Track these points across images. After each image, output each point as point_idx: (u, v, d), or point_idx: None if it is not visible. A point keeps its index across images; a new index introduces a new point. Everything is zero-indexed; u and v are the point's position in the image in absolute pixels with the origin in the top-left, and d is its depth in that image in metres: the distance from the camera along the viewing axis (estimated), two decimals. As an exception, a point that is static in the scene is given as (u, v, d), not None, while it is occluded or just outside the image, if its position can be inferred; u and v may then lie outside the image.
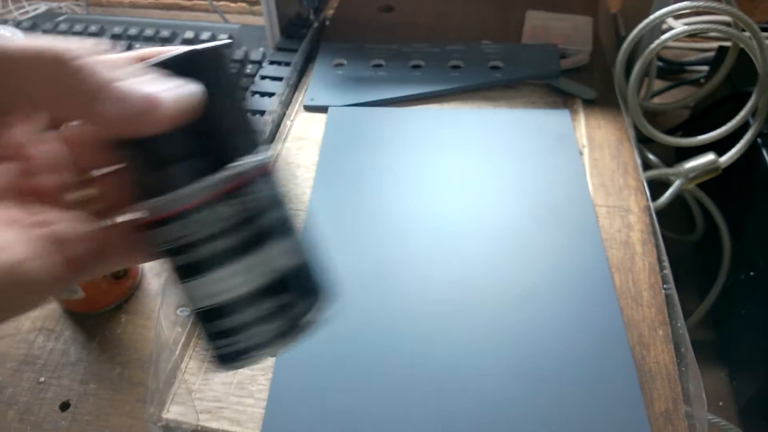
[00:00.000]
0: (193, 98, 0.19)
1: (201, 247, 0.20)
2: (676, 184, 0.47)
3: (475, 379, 0.33)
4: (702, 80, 0.79)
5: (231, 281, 0.20)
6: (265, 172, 0.21)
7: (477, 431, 0.31)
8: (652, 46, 0.47)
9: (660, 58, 0.76)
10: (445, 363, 0.33)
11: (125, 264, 0.23)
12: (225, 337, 0.21)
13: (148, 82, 0.19)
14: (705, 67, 0.79)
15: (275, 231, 0.21)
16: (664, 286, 0.36)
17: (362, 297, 0.36)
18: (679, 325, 0.33)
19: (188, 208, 0.19)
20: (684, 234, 0.53)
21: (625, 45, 0.49)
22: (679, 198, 0.48)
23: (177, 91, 0.19)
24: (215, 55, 0.20)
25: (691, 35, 0.63)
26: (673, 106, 0.58)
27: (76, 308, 0.52)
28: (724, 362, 0.45)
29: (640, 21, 0.55)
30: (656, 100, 0.77)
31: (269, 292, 0.20)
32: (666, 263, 0.37)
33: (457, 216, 0.42)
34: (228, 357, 0.21)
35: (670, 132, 0.62)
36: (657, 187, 0.47)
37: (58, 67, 0.18)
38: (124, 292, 0.53)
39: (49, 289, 0.20)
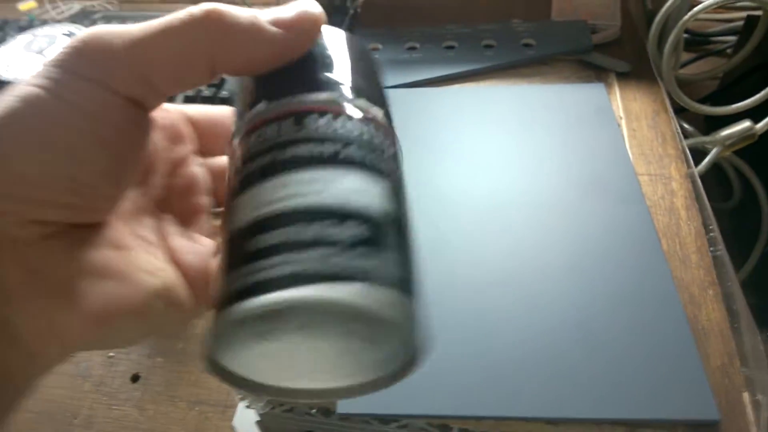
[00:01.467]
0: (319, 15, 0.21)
1: (292, 147, 0.18)
2: (714, 151, 0.48)
3: (534, 346, 0.34)
4: (728, 51, 0.79)
5: (304, 188, 0.17)
6: (378, 123, 0.21)
7: (537, 398, 0.32)
8: (686, 17, 0.48)
9: (685, 30, 0.77)
10: (499, 334, 0.35)
11: None
12: (266, 257, 0.16)
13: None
14: (731, 38, 0.80)
15: (363, 168, 0.19)
16: (711, 248, 0.38)
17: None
18: (729, 284, 0.34)
19: (302, 110, 0.19)
20: (720, 201, 0.54)
21: (659, 17, 0.50)
22: (715, 166, 0.49)
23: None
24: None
25: (719, 6, 0.63)
26: (704, 76, 0.59)
27: None
28: (765, 326, 0.46)
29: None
30: (683, 71, 0.78)
31: (331, 215, 0.17)
32: (713, 227, 0.38)
33: (503, 190, 0.43)
34: (258, 286, 0.16)
35: (700, 102, 0.63)
36: (693, 155, 0.48)
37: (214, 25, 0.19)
38: None
39: (190, 317, 0.21)
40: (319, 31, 0.21)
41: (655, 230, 0.39)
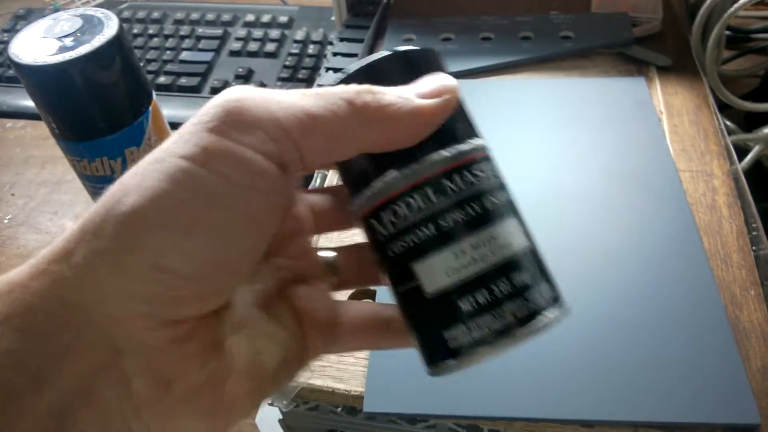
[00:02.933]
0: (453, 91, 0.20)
1: (437, 220, 0.19)
2: (755, 149, 0.47)
3: (568, 345, 0.33)
4: (770, 47, 0.77)
5: (464, 258, 0.19)
6: (485, 156, 0.21)
7: (571, 399, 0.32)
8: (731, 10, 0.46)
9: (726, 27, 0.75)
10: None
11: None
12: (452, 326, 0.19)
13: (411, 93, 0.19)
14: (774, 34, 0.77)
15: (504, 210, 0.20)
16: (753, 247, 0.37)
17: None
18: (774, 284, 0.33)
19: (425, 178, 0.19)
20: (760, 200, 0.53)
21: (702, 10, 0.49)
22: (756, 164, 0.48)
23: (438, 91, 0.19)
24: (425, 53, 0.22)
25: (761, 2, 0.62)
26: (746, 72, 0.58)
27: None
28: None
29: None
30: (724, 67, 0.76)
31: (505, 270, 0.19)
32: (757, 225, 0.37)
33: (542, 186, 0.42)
34: (453, 351, 0.19)
35: (741, 99, 0.62)
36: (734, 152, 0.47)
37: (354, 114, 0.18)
38: None
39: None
40: (457, 99, 0.20)
41: (696, 228, 0.38)
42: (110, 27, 0.40)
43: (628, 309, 0.34)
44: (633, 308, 0.34)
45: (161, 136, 0.45)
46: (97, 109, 0.39)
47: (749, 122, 0.57)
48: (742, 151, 0.47)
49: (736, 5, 0.47)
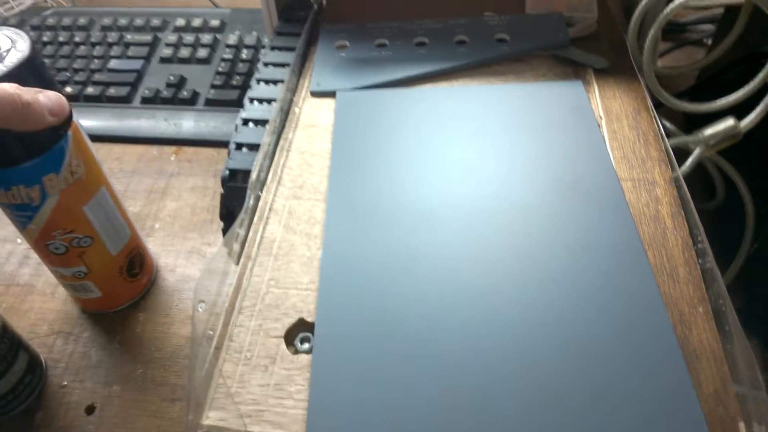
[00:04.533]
0: None
1: None
2: (696, 152, 0.46)
3: (511, 363, 0.32)
4: (705, 40, 0.78)
5: None
6: None
7: (518, 417, 0.30)
8: (666, 11, 0.45)
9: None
10: (471, 354, 0.33)
11: None
12: None
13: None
14: (708, 26, 0.78)
15: None
16: (700, 260, 0.36)
17: (391, 284, 0.36)
18: (721, 302, 0.32)
19: None
20: (703, 201, 0.53)
21: (638, 9, 0.48)
22: (697, 165, 0.47)
23: None
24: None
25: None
26: (684, 70, 0.57)
27: (93, 307, 0.52)
28: (753, 331, 0.44)
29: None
30: (660, 62, 0.76)
31: None
32: (701, 237, 0.36)
33: (478, 194, 0.41)
34: None
35: (678, 97, 0.62)
36: (675, 155, 0.46)
37: None
38: (140, 289, 0.53)
39: None
40: None
41: (640, 241, 0.37)
42: (21, 48, 0.37)
43: (569, 330, 0.33)
44: (574, 329, 0.33)
45: (84, 159, 0.42)
46: (9, 135, 0.36)
47: (690, 120, 0.56)
48: (683, 153, 0.46)
49: (672, 5, 0.46)
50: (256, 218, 0.40)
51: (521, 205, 0.40)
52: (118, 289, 0.51)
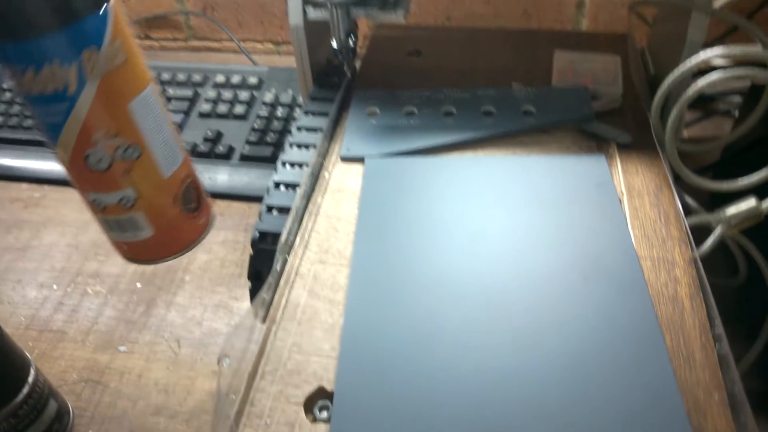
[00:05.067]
0: None
1: None
2: (718, 231, 0.46)
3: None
4: (733, 111, 0.78)
5: None
6: None
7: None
8: (689, 93, 0.47)
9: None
10: (500, 424, 0.33)
11: None
12: None
13: None
14: (737, 98, 0.79)
15: None
16: (717, 345, 0.36)
17: (412, 356, 0.36)
18: (736, 390, 0.33)
19: None
20: (725, 277, 0.53)
21: (659, 93, 0.49)
22: (721, 243, 0.48)
23: None
24: None
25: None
26: (707, 147, 0.58)
27: (143, 255, 0.41)
28: (773, 412, 0.44)
29: (669, 58, 0.55)
30: (686, 132, 0.77)
31: None
32: (717, 320, 0.36)
33: (499, 267, 0.42)
34: None
35: (702, 171, 0.62)
36: (696, 231, 0.47)
37: None
38: (199, 230, 0.43)
39: None
40: None
41: (658, 324, 0.37)
42: None
43: (583, 413, 0.33)
44: (588, 411, 0.33)
45: (127, 44, 0.34)
46: None
47: (713, 196, 0.57)
48: (705, 230, 0.47)
49: (694, 87, 0.47)
50: (282, 282, 0.41)
51: (541, 280, 0.41)
52: (174, 226, 0.41)
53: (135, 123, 0.35)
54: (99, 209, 0.38)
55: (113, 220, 0.39)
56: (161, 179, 0.38)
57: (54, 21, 0.30)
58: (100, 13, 0.31)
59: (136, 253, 0.41)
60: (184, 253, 0.42)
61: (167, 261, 0.42)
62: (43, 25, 0.30)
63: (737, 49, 0.46)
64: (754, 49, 0.46)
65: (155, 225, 0.39)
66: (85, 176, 0.36)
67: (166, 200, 0.39)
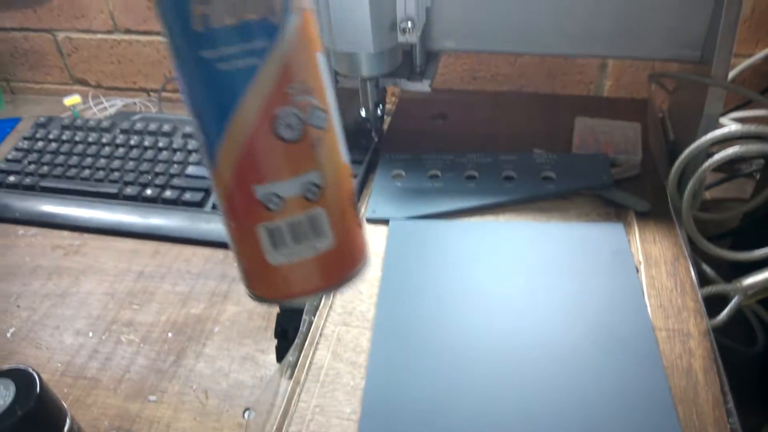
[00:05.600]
0: None
1: None
2: (734, 301, 0.47)
3: None
4: (756, 174, 0.79)
5: None
6: None
7: None
8: (705, 165, 0.48)
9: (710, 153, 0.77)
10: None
11: None
12: None
13: None
14: (760, 160, 0.80)
15: None
16: (730, 420, 0.37)
17: (431, 421, 0.38)
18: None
19: None
20: (744, 345, 0.53)
21: (676, 165, 0.51)
22: (737, 311, 0.48)
23: None
24: None
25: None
26: (724, 216, 0.59)
27: (307, 281, 0.29)
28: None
29: (688, 126, 0.57)
30: (708, 194, 0.78)
31: None
32: (729, 395, 0.37)
33: (518, 334, 0.43)
34: None
35: (722, 237, 0.63)
36: (714, 299, 0.47)
37: None
38: (364, 247, 0.32)
39: None
40: None
41: (670, 396, 0.38)
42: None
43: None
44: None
45: None
46: None
47: (734, 264, 0.58)
48: (723, 299, 0.48)
49: (709, 161, 0.48)
50: (307, 343, 0.43)
51: (557, 348, 0.42)
52: (351, 235, 0.30)
53: (323, 79, 0.28)
54: (272, 211, 0.28)
55: (288, 226, 0.28)
56: (342, 162, 0.29)
57: None
58: None
59: (300, 279, 0.29)
60: (351, 280, 0.30)
61: (328, 292, 0.31)
62: None
63: (752, 127, 0.47)
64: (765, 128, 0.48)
65: (336, 229, 0.29)
66: (266, 153, 0.27)
67: (345, 194, 0.29)
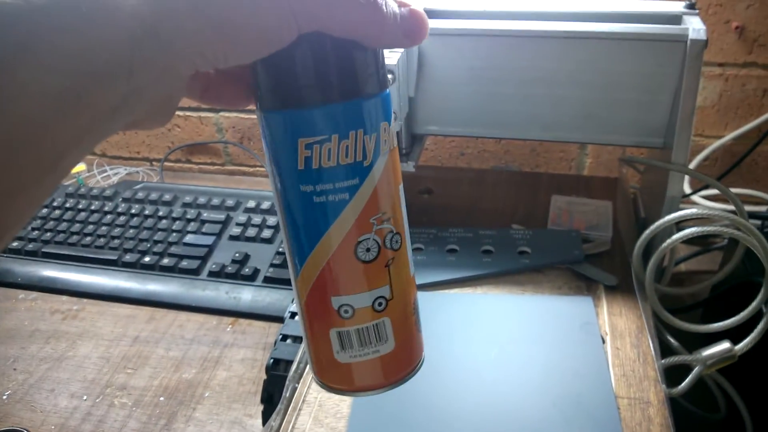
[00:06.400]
0: None
1: None
2: (695, 371, 0.50)
3: None
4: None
5: None
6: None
7: None
8: (664, 245, 0.52)
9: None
10: None
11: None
12: None
13: None
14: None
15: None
16: (683, 486, 0.39)
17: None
18: None
19: None
20: (709, 412, 0.56)
21: (638, 244, 0.55)
22: (701, 380, 0.51)
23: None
24: None
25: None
26: (695, 288, 0.62)
27: (369, 378, 0.33)
28: None
29: (655, 206, 0.61)
30: (684, 266, 0.81)
31: None
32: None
33: (486, 405, 0.46)
34: None
35: (694, 308, 0.66)
36: (676, 369, 0.50)
37: None
38: (421, 351, 0.35)
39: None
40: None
41: (629, 463, 0.41)
42: None
43: None
44: None
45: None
46: (358, 48, 0.28)
47: (696, 336, 0.61)
48: (685, 371, 0.51)
49: (669, 240, 0.52)
50: (290, 409, 0.46)
51: (525, 417, 0.45)
52: (410, 339, 0.33)
53: (401, 208, 0.31)
54: (344, 318, 0.31)
55: (356, 332, 0.31)
56: (410, 276, 0.33)
57: (372, 84, 0.28)
58: (389, 89, 0.30)
59: (363, 376, 0.33)
60: (409, 378, 0.33)
61: (389, 389, 0.33)
62: (355, 88, 0.28)
63: (708, 210, 0.52)
64: (722, 213, 0.52)
65: (397, 335, 0.32)
66: (346, 271, 0.30)
67: (409, 304, 0.33)
